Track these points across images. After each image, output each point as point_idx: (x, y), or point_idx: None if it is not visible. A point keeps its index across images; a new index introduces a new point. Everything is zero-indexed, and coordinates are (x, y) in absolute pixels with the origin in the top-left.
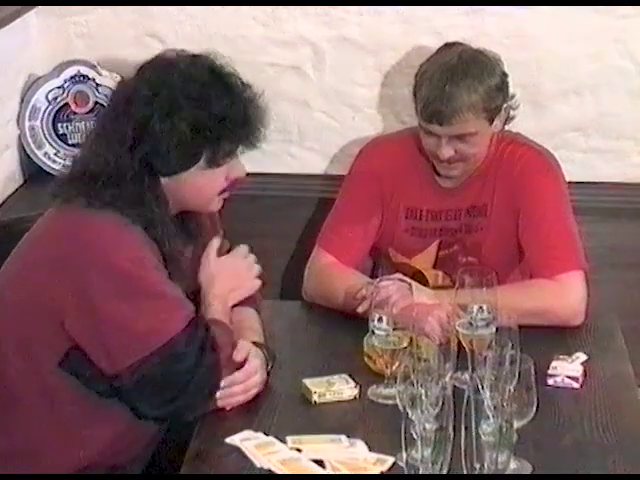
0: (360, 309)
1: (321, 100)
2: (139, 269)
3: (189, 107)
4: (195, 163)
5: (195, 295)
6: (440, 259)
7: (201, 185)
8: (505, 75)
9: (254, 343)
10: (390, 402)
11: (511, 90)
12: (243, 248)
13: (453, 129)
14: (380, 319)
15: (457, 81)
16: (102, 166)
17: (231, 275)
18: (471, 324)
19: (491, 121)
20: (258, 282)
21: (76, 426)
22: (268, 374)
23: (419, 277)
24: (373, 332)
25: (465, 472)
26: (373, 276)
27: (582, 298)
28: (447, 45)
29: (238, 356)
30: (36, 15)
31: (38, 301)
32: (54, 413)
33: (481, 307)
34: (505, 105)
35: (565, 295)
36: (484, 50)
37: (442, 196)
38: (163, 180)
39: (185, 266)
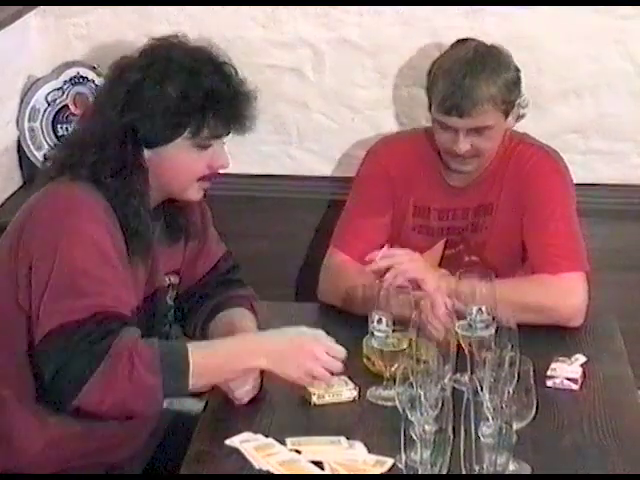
0: (369, 268)
1: (320, 101)
2: (79, 252)
3: (180, 76)
4: (179, 135)
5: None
6: (446, 258)
7: (182, 164)
8: (518, 70)
9: None
10: (389, 404)
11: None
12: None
13: (472, 121)
14: (380, 320)
15: (476, 74)
16: (89, 131)
17: (297, 350)
18: (470, 326)
19: (506, 115)
20: (305, 380)
21: (54, 414)
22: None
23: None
24: (372, 334)
25: (464, 474)
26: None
27: (583, 299)
28: (460, 41)
29: None
30: (35, 16)
31: (3, 282)
32: (34, 399)
33: (480, 309)
34: (518, 100)
35: (567, 293)
36: (497, 45)
37: (450, 195)
38: (146, 153)
39: (159, 253)
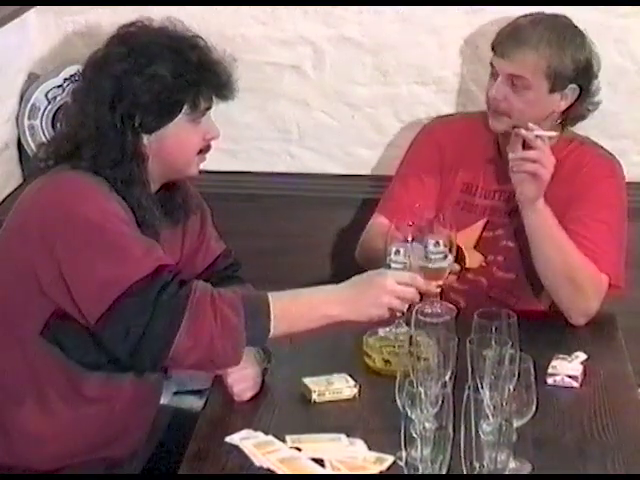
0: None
1: (321, 99)
2: (102, 220)
3: (165, 56)
4: (178, 113)
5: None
6: (483, 240)
7: (183, 141)
8: (591, 61)
9: None
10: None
11: (598, 96)
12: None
13: (511, 65)
14: (397, 251)
15: (538, 27)
16: (83, 128)
17: (368, 289)
18: (427, 257)
19: (552, 87)
20: (385, 314)
21: (57, 401)
22: (264, 375)
23: (457, 254)
24: (389, 266)
25: (465, 471)
26: None
27: (595, 305)
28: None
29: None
30: (35, 14)
31: (15, 269)
32: (36, 386)
33: (437, 242)
34: (575, 86)
35: (586, 293)
36: (584, 31)
37: (501, 175)
38: (146, 139)
39: (163, 241)
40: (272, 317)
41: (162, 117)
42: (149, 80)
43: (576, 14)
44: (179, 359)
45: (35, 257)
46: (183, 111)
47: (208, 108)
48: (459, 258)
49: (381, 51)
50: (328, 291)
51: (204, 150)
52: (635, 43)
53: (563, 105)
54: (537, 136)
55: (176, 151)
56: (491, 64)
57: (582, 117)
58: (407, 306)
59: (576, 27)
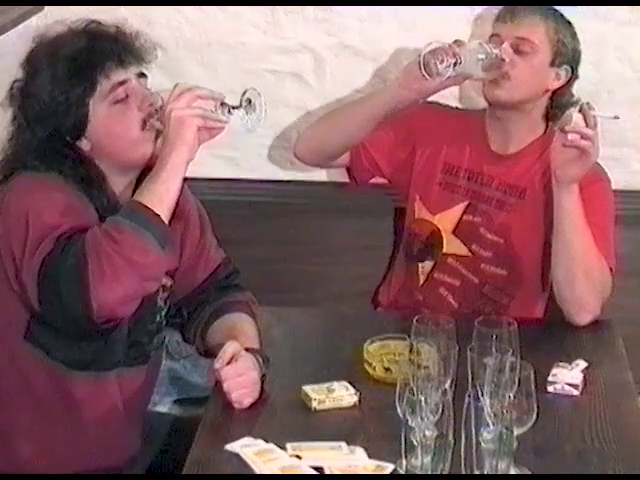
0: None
1: (321, 107)
2: (40, 209)
3: (44, 60)
4: (91, 94)
5: None
6: (462, 224)
7: (115, 125)
8: (580, 51)
9: (247, 349)
10: None
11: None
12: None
13: (520, 28)
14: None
15: (542, 5)
16: (23, 149)
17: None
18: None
19: (553, 61)
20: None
21: (49, 405)
22: (263, 381)
23: (436, 238)
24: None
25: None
26: (398, 239)
27: (603, 301)
28: None
29: (221, 359)
30: (38, 19)
31: None
32: (28, 392)
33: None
34: (568, 68)
35: (601, 287)
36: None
37: (487, 159)
38: (82, 143)
39: None
40: (149, 206)
41: (77, 116)
42: (50, 77)
43: (575, 22)
44: (108, 296)
45: (3, 260)
46: (93, 100)
47: (123, 82)
48: (437, 241)
49: (381, 59)
50: (162, 158)
51: (148, 117)
52: (635, 51)
53: (555, 85)
54: (595, 116)
55: (115, 138)
56: (492, 36)
57: (565, 107)
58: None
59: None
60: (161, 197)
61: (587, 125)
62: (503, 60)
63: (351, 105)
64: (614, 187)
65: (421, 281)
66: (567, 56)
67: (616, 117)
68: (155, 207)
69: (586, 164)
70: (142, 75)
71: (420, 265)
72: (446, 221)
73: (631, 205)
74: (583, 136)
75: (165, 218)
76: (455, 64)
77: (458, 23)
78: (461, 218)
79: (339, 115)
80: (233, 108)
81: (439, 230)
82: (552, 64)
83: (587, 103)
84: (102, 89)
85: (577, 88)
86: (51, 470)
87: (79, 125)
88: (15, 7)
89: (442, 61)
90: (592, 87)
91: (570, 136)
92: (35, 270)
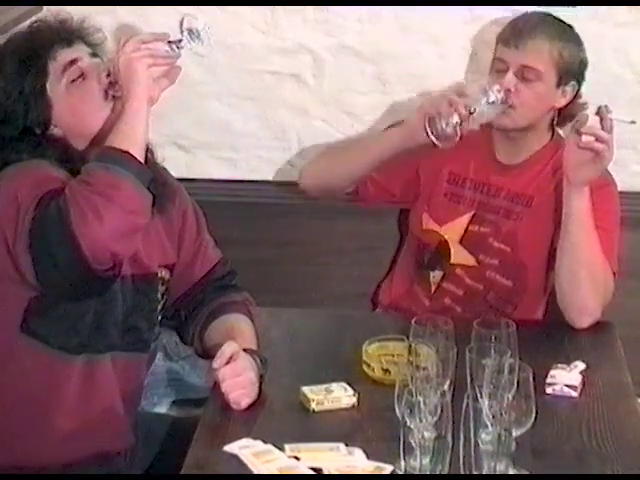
0: None
1: (320, 108)
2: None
3: (5, 50)
4: (45, 79)
5: None
6: (469, 234)
7: (78, 104)
8: (587, 61)
9: (244, 350)
10: None
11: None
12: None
13: (525, 56)
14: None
15: (546, 22)
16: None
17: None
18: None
19: (559, 83)
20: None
21: (44, 395)
22: (261, 383)
23: (443, 249)
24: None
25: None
26: (401, 245)
27: (604, 305)
28: None
29: (220, 359)
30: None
31: None
32: (27, 384)
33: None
34: (574, 84)
35: (603, 289)
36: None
37: (492, 170)
38: (57, 132)
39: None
40: (115, 145)
41: (38, 107)
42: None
43: (575, 23)
44: (96, 235)
45: None
46: (49, 85)
47: (74, 60)
48: (445, 252)
49: (381, 60)
50: (123, 107)
51: (109, 89)
52: (634, 53)
53: (562, 102)
54: (611, 119)
55: (82, 116)
56: (496, 59)
57: (571, 117)
58: None
59: (572, 27)
60: (127, 136)
61: (603, 128)
62: (509, 90)
63: (356, 147)
64: None
65: (432, 289)
66: (573, 73)
67: (633, 122)
68: (122, 145)
69: (599, 167)
70: (94, 55)
71: (432, 274)
72: (453, 232)
73: (630, 207)
74: (598, 139)
75: (136, 154)
76: (461, 122)
77: (458, 23)
78: (467, 228)
79: (344, 156)
80: (179, 41)
81: (446, 241)
82: (558, 85)
83: (605, 106)
84: (54, 72)
85: None
86: (45, 462)
87: (43, 115)
88: (15, 7)
89: (447, 124)
90: (591, 88)
91: (584, 137)
92: (26, 236)
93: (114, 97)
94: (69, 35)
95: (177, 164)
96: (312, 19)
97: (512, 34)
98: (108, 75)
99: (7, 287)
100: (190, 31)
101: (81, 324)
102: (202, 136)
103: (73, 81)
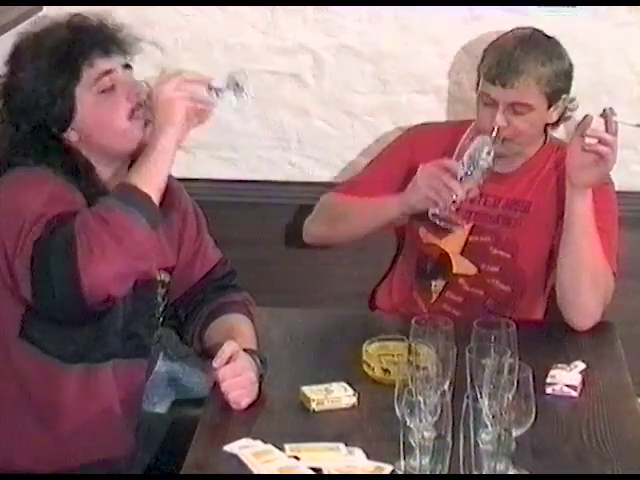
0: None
1: (320, 108)
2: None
3: (30, 52)
4: (76, 83)
5: None
6: (469, 245)
7: (102, 115)
8: (572, 66)
9: (244, 350)
10: None
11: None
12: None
13: (514, 94)
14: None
15: (528, 49)
16: (10, 146)
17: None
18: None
19: (549, 104)
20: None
21: (44, 403)
22: (261, 383)
23: (444, 260)
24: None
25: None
26: (399, 256)
27: (604, 306)
28: (519, 28)
29: (220, 358)
30: (39, 19)
31: None
32: (24, 391)
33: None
34: (565, 96)
35: (604, 290)
36: (556, 38)
37: (490, 181)
38: (68, 134)
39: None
40: (139, 187)
41: (61, 108)
42: (34, 70)
43: (575, 23)
44: (99, 272)
45: None
46: (78, 90)
47: (108, 71)
48: (445, 264)
49: (381, 60)
50: (152, 141)
51: (136, 109)
52: (634, 53)
53: (555, 116)
54: (616, 122)
55: (103, 128)
56: (482, 94)
57: (566, 118)
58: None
59: (550, 36)
60: (151, 178)
61: (607, 130)
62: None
63: (355, 216)
64: None
65: (433, 298)
66: (562, 88)
67: (638, 125)
68: (145, 188)
69: (603, 170)
70: (127, 67)
71: (433, 283)
72: (453, 244)
73: (629, 207)
74: (602, 141)
75: (155, 199)
76: (461, 203)
77: (458, 23)
78: (467, 240)
79: (343, 223)
80: (220, 90)
81: (447, 253)
82: (549, 106)
83: (610, 108)
84: (87, 78)
85: (576, 89)
86: (44, 467)
87: (65, 115)
88: (15, 7)
89: (446, 208)
90: (591, 88)
91: (587, 140)
92: (27, 257)
93: (139, 117)
94: (109, 44)
95: (177, 164)
96: (312, 19)
97: (497, 72)
98: (137, 94)
99: (4, 293)
100: (237, 85)
101: (78, 333)
102: (202, 136)
103: (103, 91)
